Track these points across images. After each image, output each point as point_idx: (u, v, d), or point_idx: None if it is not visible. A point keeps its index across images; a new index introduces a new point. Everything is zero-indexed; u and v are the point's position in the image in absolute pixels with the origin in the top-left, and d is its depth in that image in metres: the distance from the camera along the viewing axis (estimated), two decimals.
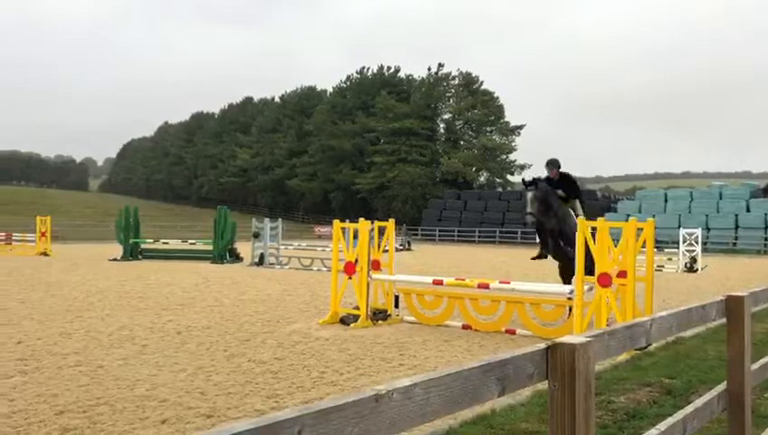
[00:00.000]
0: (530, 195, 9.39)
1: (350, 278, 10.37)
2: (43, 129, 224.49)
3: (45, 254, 27.60)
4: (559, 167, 10.17)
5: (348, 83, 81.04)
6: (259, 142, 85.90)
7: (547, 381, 1.73)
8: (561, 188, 9.95)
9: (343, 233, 11.05)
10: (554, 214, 9.62)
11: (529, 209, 9.36)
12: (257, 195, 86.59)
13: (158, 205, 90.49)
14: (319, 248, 23.35)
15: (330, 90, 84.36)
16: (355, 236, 11.14)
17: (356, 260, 10.33)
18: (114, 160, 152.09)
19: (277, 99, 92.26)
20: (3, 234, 31.00)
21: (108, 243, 32.77)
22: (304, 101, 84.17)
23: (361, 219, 10.72)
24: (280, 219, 25.71)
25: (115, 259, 24.65)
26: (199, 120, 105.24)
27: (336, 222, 10.97)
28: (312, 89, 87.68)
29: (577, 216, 9.72)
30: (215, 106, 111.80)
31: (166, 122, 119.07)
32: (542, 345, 1.72)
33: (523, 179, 9.94)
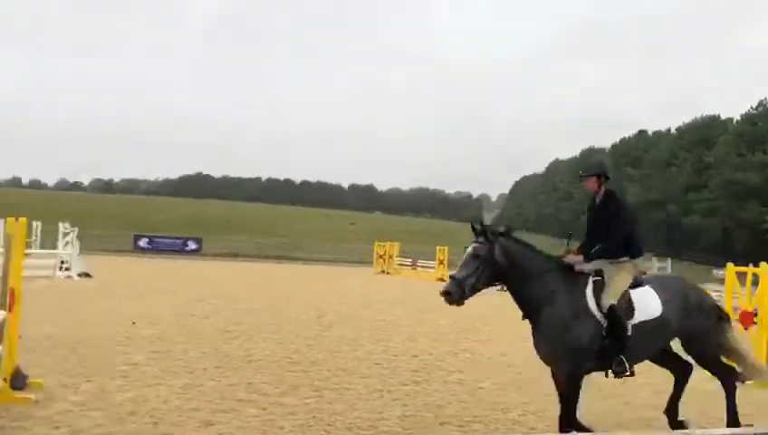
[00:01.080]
0: (469, 250, 5.35)
1: (746, 329, 9.27)
2: (445, 166, 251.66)
3: (442, 280, 30.67)
4: (602, 175, 5.57)
5: (759, 109, 72.08)
6: (651, 177, 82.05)
7: None
8: (599, 218, 5.63)
9: (740, 278, 9.95)
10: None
11: (457, 272, 5.33)
12: (649, 231, 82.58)
13: (546, 238, 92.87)
14: (714, 293, 21.13)
15: (736, 118, 76.26)
16: (756, 283, 9.89)
17: (755, 311, 9.21)
18: (506, 196, 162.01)
19: (673, 130, 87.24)
20: (410, 260, 35.61)
21: None
22: (704, 131, 77.66)
23: (763, 263, 9.47)
24: (669, 259, 24.12)
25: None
26: (589, 155, 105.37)
27: (729, 266, 9.93)
28: (713, 118, 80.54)
29: (616, 306, 5.32)
30: (606, 141, 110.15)
31: (556, 159, 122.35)
32: None
33: (471, 225, 5.40)
